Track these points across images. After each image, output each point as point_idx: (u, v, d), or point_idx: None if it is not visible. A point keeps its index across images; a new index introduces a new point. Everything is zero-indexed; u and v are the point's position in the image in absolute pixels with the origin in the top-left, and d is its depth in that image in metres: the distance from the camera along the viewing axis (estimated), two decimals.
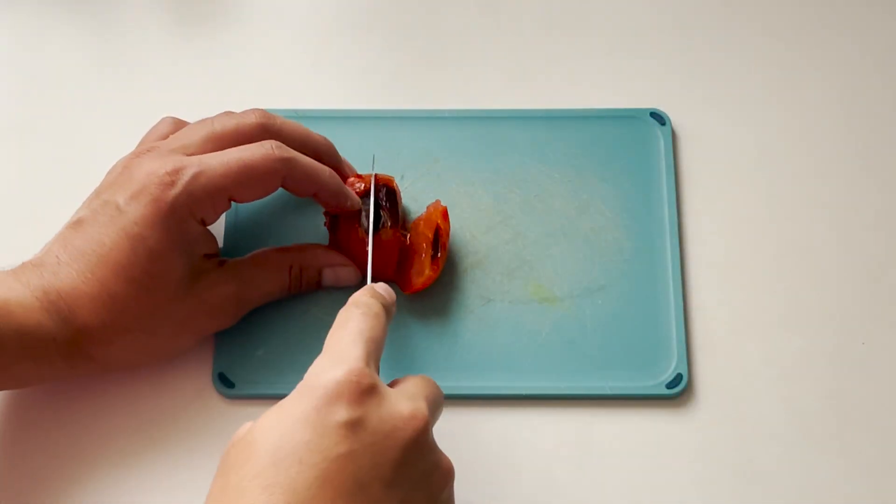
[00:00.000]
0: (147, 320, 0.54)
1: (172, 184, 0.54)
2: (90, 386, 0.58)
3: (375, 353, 0.49)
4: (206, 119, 0.59)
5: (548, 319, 0.60)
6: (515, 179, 0.64)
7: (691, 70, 0.68)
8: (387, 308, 0.52)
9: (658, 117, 0.66)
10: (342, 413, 0.45)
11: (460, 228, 0.62)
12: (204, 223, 0.56)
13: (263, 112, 0.58)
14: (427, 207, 0.61)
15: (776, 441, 0.57)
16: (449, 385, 0.57)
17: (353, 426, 0.45)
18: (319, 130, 0.61)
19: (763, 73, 0.68)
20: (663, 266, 0.61)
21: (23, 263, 0.55)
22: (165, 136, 0.59)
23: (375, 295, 0.52)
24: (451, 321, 0.60)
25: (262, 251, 0.59)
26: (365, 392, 0.46)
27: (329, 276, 0.60)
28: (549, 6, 0.71)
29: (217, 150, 0.56)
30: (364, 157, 0.63)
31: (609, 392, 0.58)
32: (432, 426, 0.49)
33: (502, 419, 0.58)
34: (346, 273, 0.60)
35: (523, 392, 0.58)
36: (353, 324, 0.49)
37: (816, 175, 0.65)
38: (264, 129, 0.58)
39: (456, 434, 0.57)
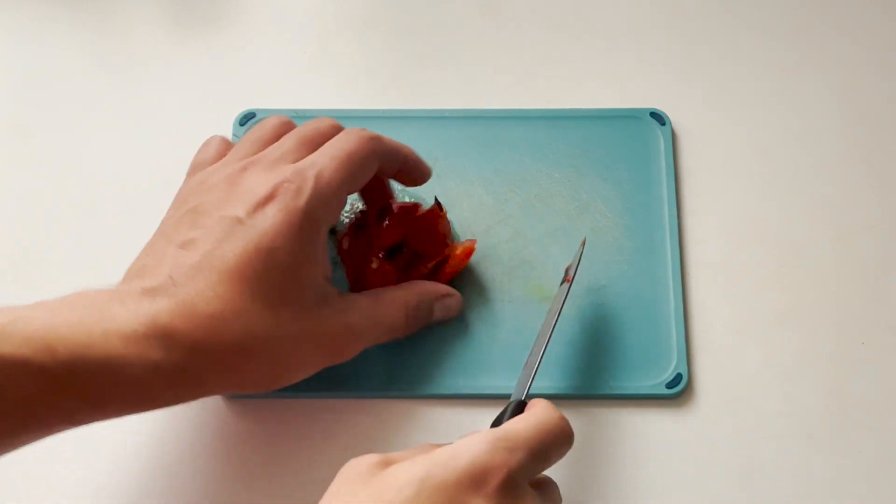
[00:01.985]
0: (270, 344, 0.49)
1: (300, 190, 0.50)
2: None
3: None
4: (268, 130, 0.56)
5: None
6: (515, 179, 0.64)
7: (691, 70, 0.68)
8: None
9: (658, 117, 0.66)
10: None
11: (460, 228, 0.63)
12: (325, 232, 0.53)
13: (330, 118, 0.57)
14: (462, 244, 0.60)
15: (776, 440, 0.57)
16: (449, 385, 0.58)
17: None
18: None
19: (763, 73, 0.68)
20: (663, 266, 0.61)
21: (128, 284, 0.49)
22: (223, 154, 0.56)
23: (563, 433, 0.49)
24: (452, 321, 0.60)
25: (375, 289, 0.56)
26: (508, 488, 0.44)
27: (440, 308, 0.58)
28: (550, 6, 0.71)
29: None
30: None
31: (609, 392, 0.58)
32: (542, 467, 0.48)
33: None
34: (455, 302, 0.59)
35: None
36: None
37: (816, 174, 0.65)
38: (338, 128, 0.56)
39: (456, 434, 0.56)
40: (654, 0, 0.71)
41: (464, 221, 0.63)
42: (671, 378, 0.58)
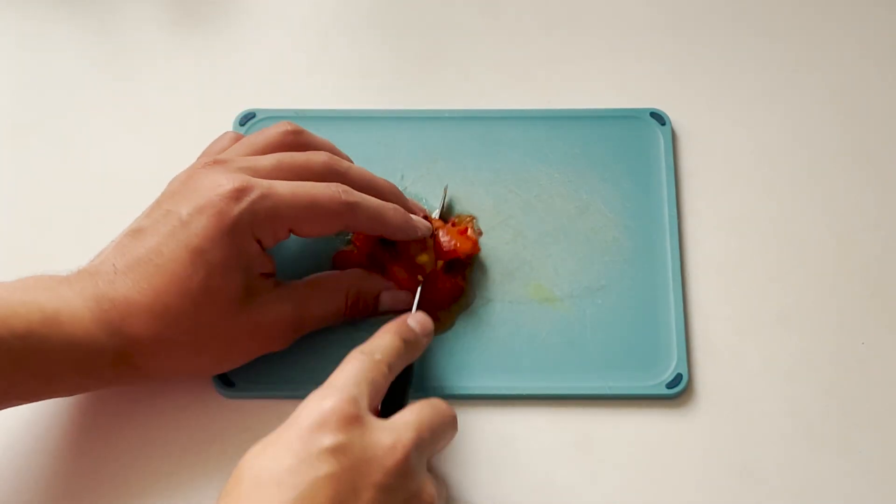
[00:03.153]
0: (198, 336, 0.54)
1: (238, 199, 0.53)
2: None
3: (369, 394, 0.49)
4: (271, 136, 0.58)
5: (548, 319, 0.60)
6: (515, 179, 0.64)
7: (691, 70, 0.68)
8: (409, 343, 0.53)
9: (658, 117, 0.66)
10: (325, 440, 0.46)
11: None
12: (261, 244, 0.55)
13: (331, 154, 0.58)
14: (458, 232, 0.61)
15: (777, 441, 0.57)
16: (449, 385, 0.58)
17: (335, 451, 0.46)
18: (319, 131, 0.61)
19: (763, 74, 0.68)
20: (663, 266, 0.61)
21: (78, 271, 0.54)
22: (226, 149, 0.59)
23: (400, 331, 0.53)
24: (452, 321, 0.60)
25: (318, 275, 0.59)
26: (350, 420, 0.47)
27: (386, 299, 0.59)
28: (550, 7, 0.71)
29: (283, 180, 0.55)
30: (364, 157, 0.62)
31: (609, 392, 0.58)
32: (431, 452, 0.50)
33: (502, 419, 0.58)
34: (404, 296, 0.59)
35: (523, 392, 0.58)
36: (352, 366, 0.50)
37: (816, 174, 0.65)
38: (330, 169, 0.57)
39: (457, 434, 0.57)
40: (655, 0, 0.71)
41: None
42: (671, 378, 0.58)
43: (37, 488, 0.56)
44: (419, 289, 0.59)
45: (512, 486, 0.56)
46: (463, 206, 0.63)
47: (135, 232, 0.54)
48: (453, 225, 0.62)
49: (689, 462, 0.57)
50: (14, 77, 0.70)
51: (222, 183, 0.53)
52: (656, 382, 0.58)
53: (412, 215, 0.59)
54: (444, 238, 0.60)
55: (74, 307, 0.52)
